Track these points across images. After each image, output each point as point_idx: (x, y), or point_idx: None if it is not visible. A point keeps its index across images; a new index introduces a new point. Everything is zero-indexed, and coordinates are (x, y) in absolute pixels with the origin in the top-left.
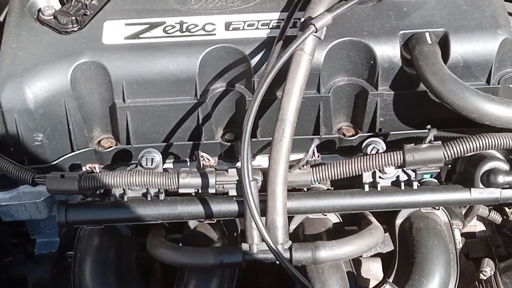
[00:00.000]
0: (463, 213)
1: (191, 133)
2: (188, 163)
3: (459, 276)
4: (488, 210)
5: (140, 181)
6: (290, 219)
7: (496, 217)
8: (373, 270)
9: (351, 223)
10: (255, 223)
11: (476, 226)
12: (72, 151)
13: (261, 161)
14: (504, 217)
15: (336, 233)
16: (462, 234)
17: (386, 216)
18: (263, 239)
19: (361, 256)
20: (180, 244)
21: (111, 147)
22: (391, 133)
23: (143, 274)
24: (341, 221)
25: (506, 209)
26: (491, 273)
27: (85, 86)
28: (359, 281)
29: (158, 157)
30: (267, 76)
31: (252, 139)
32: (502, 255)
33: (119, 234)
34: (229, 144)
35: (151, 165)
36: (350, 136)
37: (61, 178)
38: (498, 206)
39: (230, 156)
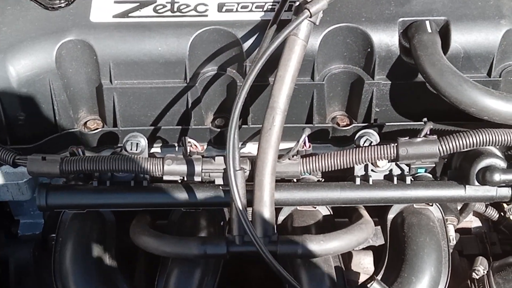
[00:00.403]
0: (459, 208)
1: (180, 118)
2: (176, 148)
3: (451, 273)
4: (485, 206)
5: (124, 167)
6: (278, 210)
7: (493, 214)
8: (364, 264)
9: (342, 215)
10: (239, 214)
11: (472, 222)
12: (57, 132)
13: (252, 148)
14: (501, 213)
15: (326, 225)
16: (457, 230)
17: (378, 210)
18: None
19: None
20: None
21: (97, 129)
22: (387, 124)
23: (127, 260)
24: (332, 213)
25: (505, 205)
26: (484, 272)
27: (71, 65)
28: (349, 274)
29: (143, 141)
30: (258, 61)
31: (243, 126)
32: (497, 253)
33: (102, 219)
34: (218, 130)
35: (136, 150)
36: (344, 126)
37: (43, 160)
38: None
39: (220, 142)
